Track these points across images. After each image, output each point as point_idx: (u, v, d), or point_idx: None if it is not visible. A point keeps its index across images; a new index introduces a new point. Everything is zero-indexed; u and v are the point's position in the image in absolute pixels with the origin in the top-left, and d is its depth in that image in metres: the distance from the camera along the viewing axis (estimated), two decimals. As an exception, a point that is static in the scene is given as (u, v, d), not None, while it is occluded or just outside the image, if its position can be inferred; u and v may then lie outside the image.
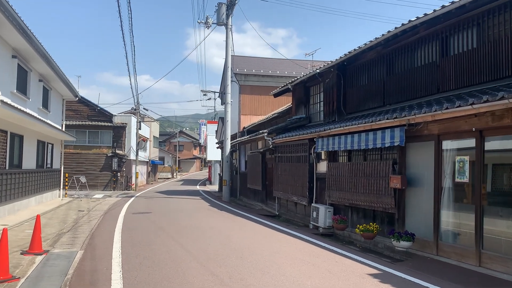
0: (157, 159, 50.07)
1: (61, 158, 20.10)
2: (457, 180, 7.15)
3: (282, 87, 16.46)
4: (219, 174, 31.22)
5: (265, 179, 17.39)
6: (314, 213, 11.27)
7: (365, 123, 9.09)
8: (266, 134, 15.00)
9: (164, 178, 52.62)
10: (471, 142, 6.93)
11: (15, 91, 12.37)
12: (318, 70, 12.81)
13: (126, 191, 28.30)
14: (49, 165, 17.66)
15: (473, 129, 6.78)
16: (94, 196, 22.64)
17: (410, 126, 7.95)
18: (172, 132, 79.81)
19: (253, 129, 21.33)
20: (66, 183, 21.46)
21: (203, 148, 71.37)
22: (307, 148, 12.42)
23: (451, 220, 7.35)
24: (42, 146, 16.37)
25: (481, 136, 6.73)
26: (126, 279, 5.77)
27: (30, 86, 14.01)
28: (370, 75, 11.06)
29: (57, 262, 6.80)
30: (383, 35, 9.64)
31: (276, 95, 18.03)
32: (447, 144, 7.46)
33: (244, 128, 23.14)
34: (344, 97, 12.11)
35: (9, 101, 10.41)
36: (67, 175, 21.76)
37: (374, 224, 8.75)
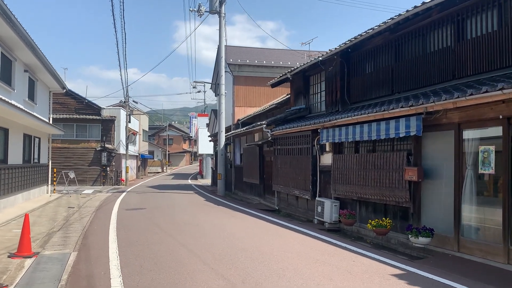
0: (147, 153, 49.23)
1: (48, 152, 19.27)
2: (481, 171, 6.66)
3: (280, 76, 15.83)
4: (212, 168, 30.62)
5: (262, 173, 16.82)
6: (319, 208, 10.76)
7: (376, 112, 8.55)
8: (264, 125, 14.38)
9: (154, 172, 51.81)
10: (497, 131, 6.44)
11: (-1, 81, 11.61)
12: (320, 58, 12.22)
13: (116, 186, 27.52)
14: (36, 160, 16.85)
15: (500, 116, 6.29)
16: (83, 192, 21.87)
17: (427, 115, 7.45)
18: (161, 125, 78.67)
19: (248, 121, 20.69)
20: (55, 179, 20.64)
21: (193, 141, 70.57)
22: (310, 140, 11.86)
23: (473, 215, 6.87)
24: (28, 140, 15.57)
25: (509, 124, 6.25)
26: (127, 285, 5.18)
27: (15, 76, 13.20)
28: (376, 62, 10.53)
29: (48, 266, 6.18)
30: (392, 18, 9.11)
31: (273, 85, 17.37)
32: (468, 133, 6.96)
33: (238, 120, 22.47)
34: (348, 86, 11.56)
35: (-8, 91, 9.67)
36: (55, 170, 20.93)
37: (387, 219, 8.23)
